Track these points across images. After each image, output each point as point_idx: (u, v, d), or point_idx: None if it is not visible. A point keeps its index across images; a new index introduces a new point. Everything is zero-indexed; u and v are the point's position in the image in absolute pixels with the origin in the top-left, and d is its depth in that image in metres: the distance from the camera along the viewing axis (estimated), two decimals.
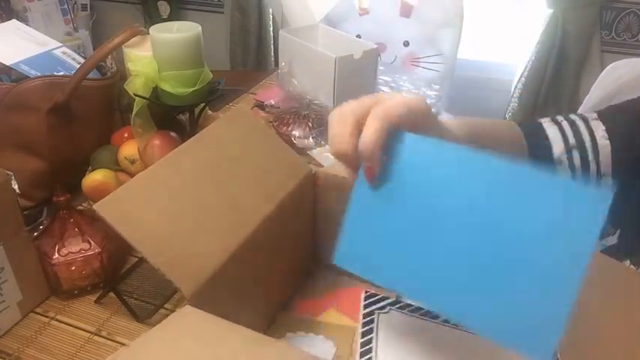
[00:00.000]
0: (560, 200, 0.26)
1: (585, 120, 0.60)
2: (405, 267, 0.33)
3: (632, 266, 0.61)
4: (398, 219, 0.35)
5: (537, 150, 0.59)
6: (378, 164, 0.37)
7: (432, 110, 0.42)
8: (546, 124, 0.61)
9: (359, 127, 0.38)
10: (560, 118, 0.62)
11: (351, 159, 0.38)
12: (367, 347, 0.56)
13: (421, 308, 0.58)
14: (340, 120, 0.39)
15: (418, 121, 0.38)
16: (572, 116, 0.61)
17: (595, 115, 0.61)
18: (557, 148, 0.59)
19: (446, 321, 0.56)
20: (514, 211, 0.26)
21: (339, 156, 0.40)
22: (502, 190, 0.27)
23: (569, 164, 0.59)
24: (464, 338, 0.55)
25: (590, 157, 0.58)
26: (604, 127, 0.59)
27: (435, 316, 0.57)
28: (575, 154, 0.58)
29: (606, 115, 0.61)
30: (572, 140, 0.59)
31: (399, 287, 0.37)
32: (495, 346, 0.42)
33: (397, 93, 0.40)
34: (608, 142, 0.58)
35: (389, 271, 0.35)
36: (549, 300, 0.28)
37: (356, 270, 0.40)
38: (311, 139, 1.06)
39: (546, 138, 0.60)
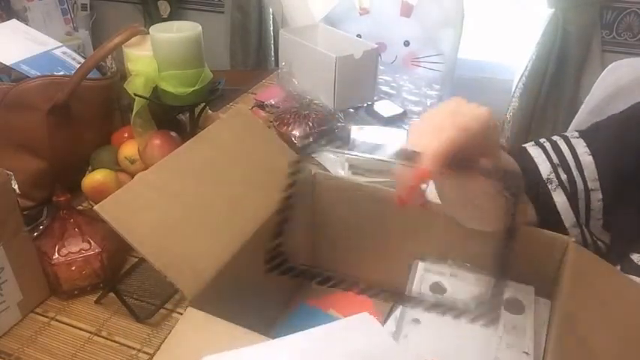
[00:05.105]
0: None
1: (566, 138, 0.62)
2: None
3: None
4: None
5: (527, 173, 0.61)
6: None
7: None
8: (530, 147, 0.64)
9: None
10: (542, 140, 0.64)
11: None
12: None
13: None
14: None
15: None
16: (555, 137, 0.63)
17: (576, 134, 0.62)
18: (544, 168, 0.61)
19: None
20: None
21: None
22: None
23: (559, 182, 0.60)
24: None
25: (575, 173, 0.59)
26: (585, 143, 0.60)
27: None
28: (561, 172, 0.60)
29: (587, 132, 0.63)
30: (555, 159, 0.61)
31: None
32: None
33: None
34: (591, 157, 0.59)
35: None
36: None
37: None
38: (311, 139, 1.06)
39: (531, 160, 0.62)
